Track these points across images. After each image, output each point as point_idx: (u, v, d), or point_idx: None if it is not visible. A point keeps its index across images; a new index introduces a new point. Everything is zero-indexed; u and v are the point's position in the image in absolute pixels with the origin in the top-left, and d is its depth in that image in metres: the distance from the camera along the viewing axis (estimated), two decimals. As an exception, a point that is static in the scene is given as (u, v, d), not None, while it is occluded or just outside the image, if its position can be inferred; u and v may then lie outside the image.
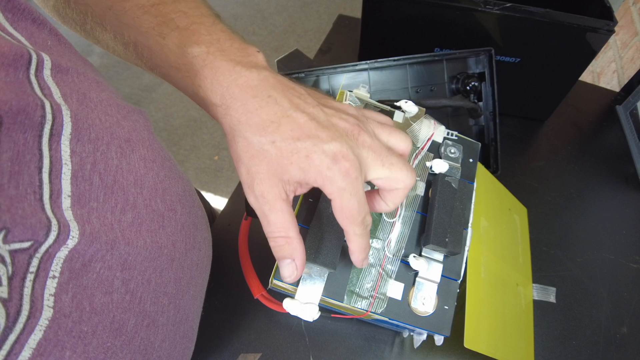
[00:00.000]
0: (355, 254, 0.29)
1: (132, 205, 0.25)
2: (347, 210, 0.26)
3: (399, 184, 0.28)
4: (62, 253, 0.21)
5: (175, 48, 0.28)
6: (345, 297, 0.32)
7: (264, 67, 0.28)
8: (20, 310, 0.19)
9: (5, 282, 0.19)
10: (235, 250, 0.45)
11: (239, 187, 0.54)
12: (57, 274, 0.21)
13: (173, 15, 0.28)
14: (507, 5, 0.50)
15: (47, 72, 0.22)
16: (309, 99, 0.28)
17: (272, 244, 0.28)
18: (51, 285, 0.20)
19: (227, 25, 0.30)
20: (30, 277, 0.20)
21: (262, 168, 0.26)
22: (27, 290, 0.19)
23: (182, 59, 0.28)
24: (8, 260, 0.19)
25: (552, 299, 0.47)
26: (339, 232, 0.31)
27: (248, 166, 0.27)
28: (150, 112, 1.73)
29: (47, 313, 0.20)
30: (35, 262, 0.20)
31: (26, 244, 0.19)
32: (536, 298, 0.47)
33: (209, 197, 1.44)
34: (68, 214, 0.21)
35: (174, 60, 0.28)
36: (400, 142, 0.30)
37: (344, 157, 0.26)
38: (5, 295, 0.19)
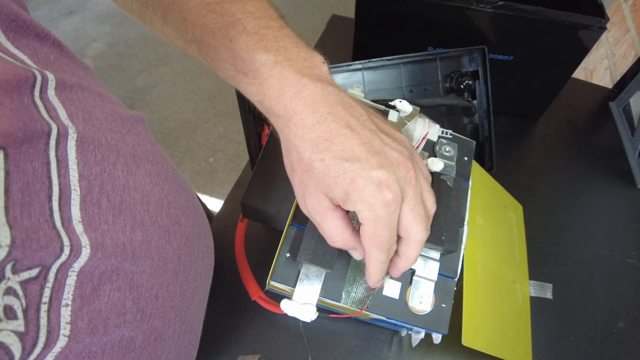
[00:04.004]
0: (373, 277, 0.29)
1: (140, 224, 0.25)
2: (377, 238, 0.26)
3: (410, 236, 0.28)
4: (72, 279, 0.21)
5: (242, 53, 0.27)
6: (342, 296, 0.32)
7: (328, 81, 0.28)
8: (37, 342, 0.19)
9: (20, 315, 0.18)
10: (232, 252, 0.45)
11: (235, 188, 0.54)
12: (69, 302, 0.21)
13: (240, 16, 0.27)
14: (500, 3, 0.50)
15: (51, 92, 0.22)
16: (367, 122, 0.27)
17: (333, 246, 0.29)
18: (66, 314, 0.20)
19: (292, 29, 0.29)
20: (44, 307, 0.19)
21: (311, 183, 0.26)
22: (43, 322, 0.19)
23: (249, 65, 0.27)
24: (20, 292, 0.18)
25: (548, 295, 0.47)
26: None
27: (300, 179, 0.27)
28: (144, 114, 1.73)
29: (61, 342, 0.20)
30: (47, 293, 0.20)
31: (34, 272, 0.19)
32: (533, 295, 0.47)
33: (204, 199, 1.44)
34: (84, 239, 0.21)
35: (240, 65, 0.27)
36: (430, 201, 0.29)
37: (389, 187, 0.25)
38: (22, 328, 0.18)
